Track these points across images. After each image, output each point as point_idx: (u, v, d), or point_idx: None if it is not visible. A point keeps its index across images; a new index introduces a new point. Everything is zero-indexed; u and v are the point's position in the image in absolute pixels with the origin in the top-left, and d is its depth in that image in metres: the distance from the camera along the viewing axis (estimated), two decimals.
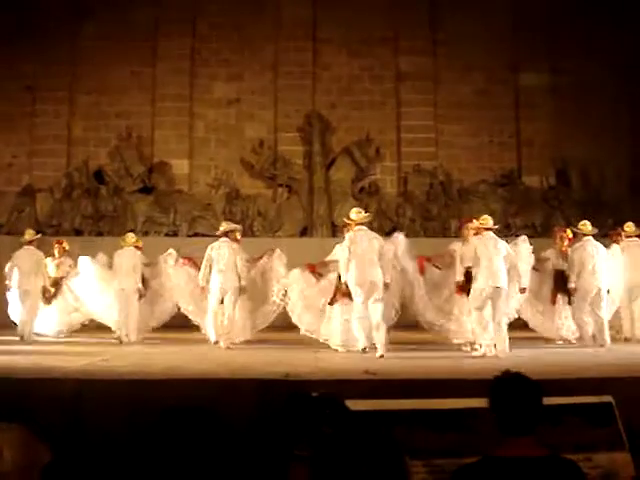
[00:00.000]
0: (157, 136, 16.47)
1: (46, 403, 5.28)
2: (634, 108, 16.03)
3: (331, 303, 9.28)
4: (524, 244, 9.74)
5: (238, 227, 10.90)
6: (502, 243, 8.79)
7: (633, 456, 4.37)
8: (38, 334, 11.30)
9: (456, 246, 9.56)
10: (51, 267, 11.98)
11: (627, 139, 16.17)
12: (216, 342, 9.75)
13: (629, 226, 10.44)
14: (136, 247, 11.57)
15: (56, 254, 12.11)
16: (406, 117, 16.52)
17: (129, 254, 11.25)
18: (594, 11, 16.22)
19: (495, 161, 16.58)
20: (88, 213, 15.59)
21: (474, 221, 9.30)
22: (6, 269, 11.26)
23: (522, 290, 9.13)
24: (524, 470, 2.71)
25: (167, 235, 15.44)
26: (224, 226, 10.42)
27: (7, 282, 11.21)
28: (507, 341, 8.49)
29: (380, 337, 8.39)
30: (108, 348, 9.62)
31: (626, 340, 10.23)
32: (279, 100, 16.59)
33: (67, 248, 12.22)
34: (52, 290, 11.64)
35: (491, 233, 8.84)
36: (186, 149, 16.48)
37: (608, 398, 4.72)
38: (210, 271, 9.95)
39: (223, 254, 9.94)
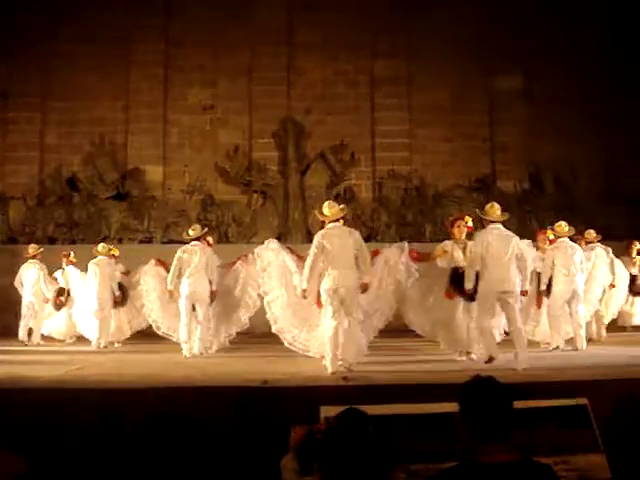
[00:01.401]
0: (131, 142, 16.38)
1: (19, 413, 5.22)
2: (607, 112, 16.19)
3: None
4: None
5: (208, 231, 10.82)
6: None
7: (608, 458, 4.40)
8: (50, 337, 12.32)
9: (447, 246, 8.89)
10: (60, 277, 12.34)
11: (600, 143, 16.30)
12: (188, 356, 9.39)
13: (560, 226, 10.04)
14: (112, 256, 11.72)
15: (63, 265, 12.31)
16: (381, 122, 16.57)
17: (103, 264, 11.34)
18: (567, 16, 16.37)
19: (469, 166, 16.66)
20: (61, 221, 15.47)
21: (466, 218, 8.79)
22: (16, 281, 12.25)
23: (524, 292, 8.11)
24: (498, 476, 2.70)
25: (141, 242, 15.35)
26: (195, 230, 10.23)
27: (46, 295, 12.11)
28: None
29: (348, 350, 7.48)
30: (83, 356, 9.56)
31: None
32: (254, 106, 16.57)
33: (117, 255, 12.21)
34: (62, 298, 12.16)
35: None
36: (160, 155, 16.40)
37: (583, 400, 4.76)
38: (180, 275, 9.71)
39: (194, 258, 9.71)
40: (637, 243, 12.52)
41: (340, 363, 7.36)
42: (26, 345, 11.76)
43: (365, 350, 7.87)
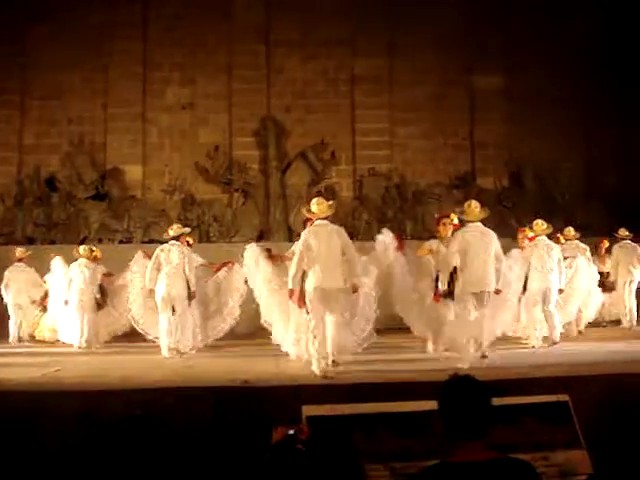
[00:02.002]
0: (110, 142, 16.24)
1: None
2: (587, 111, 16.28)
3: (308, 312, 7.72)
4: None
5: (187, 230, 10.71)
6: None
7: (590, 453, 4.41)
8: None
9: (433, 245, 8.81)
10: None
11: (580, 141, 16.40)
12: (167, 357, 9.30)
13: (538, 224, 10.06)
14: (95, 258, 11.69)
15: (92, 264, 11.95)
16: (361, 120, 16.56)
17: (84, 266, 11.31)
18: (547, 15, 16.44)
19: (450, 163, 16.71)
20: (40, 221, 15.33)
21: (452, 215, 8.65)
22: (2, 286, 12.35)
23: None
24: (476, 475, 2.68)
25: (121, 242, 15.26)
26: (174, 230, 10.08)
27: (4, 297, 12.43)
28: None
29: (334, 348, 7.42)
30: (62, 358, 9.46)
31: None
32: (233, 104, 16.50)
33: (99, 257, 12.07)
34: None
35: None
36: (139, 155, 16.28)
37: (564, 397, 4.77)
38: (157, 273, 9.59)
39: (172, 258, 9.58)
40: (606, 242, 12.62)
41: (329, 362, 7.27)
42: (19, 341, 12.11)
43: (352, 349, 7.86)
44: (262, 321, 8.65)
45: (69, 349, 10.91)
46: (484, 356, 7.48)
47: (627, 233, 12.65)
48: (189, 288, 9.65)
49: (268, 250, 9.04)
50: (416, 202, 16.05)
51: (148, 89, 16.50)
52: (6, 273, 12.44)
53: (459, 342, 7.81)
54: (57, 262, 11.82)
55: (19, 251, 12.69)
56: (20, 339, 12.29)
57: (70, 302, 11.29)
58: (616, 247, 12.59)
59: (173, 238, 9.88)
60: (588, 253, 11.42)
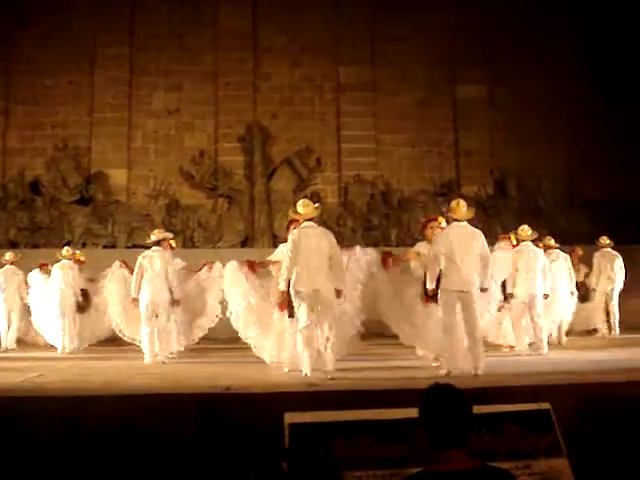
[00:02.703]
0: (95, 146, 16.22)
1: None
2: (569, 118, 16.41)
3: (291, 315, 7.75)
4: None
5: (169, 235, 10.65)
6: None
7: (571, 462, 4.43)
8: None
9: (421, 248, 8.68)
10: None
11: (563, 149, 16.54)
12: (150, 363, 9.20)
13: (523, 230, 10.07)
14: (78, 261, 11.65)
15: (74, 266, 11.87)
16: (346, 127, 16.62)
17: (66, 267, 11.27)
18: (530, 24, 16.60)
19: (434, 171, 16.80)
20: (24, 225, 15.25)
21: (439, 219, 8.48)
22: None
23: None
24: None
25: (105, 247, 15.21)
26: (156, 234, 9.98)
27: None
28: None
29: (328, 355, 7.31)
30: (44, 363, 9.41)
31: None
32: (219, 110, 16.51)
33: (82, 260, 12.12)
34: None
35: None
36: (124, 159, 16.26)
37: (546, 405, 4.79)
38: (141, 280, 9.49)
39: (155, 264, 9.49)
40: (579, 250, 12.67)
41: (323, 373, 7.18)
42: (7, 350, 11.92)
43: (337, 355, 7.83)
44: (241, 336, 8.63)
45: (52, 354, 10.85)
46: (477, 375, 7.34)
47: (608, 241, 12.74)
48: (172, 294, 9.60)
49: (248, 261, 8.89)
50: (401, 209, 16.13)
51: (134, 94, 16.49)
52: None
53: (445, 346, 7.84)
54: (35, 274, 11.87)
55: (9, 254, 12.63)
56: (6, 349, 12.08)
57: (51, 304, 11.26)
58: (597, 255, 12.67)
59: (155, 243, 9.81)
60: (568, 262, 11.47)
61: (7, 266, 12.45)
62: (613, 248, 12.73)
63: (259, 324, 8.45)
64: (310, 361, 7.23)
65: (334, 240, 7.64)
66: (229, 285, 8.81)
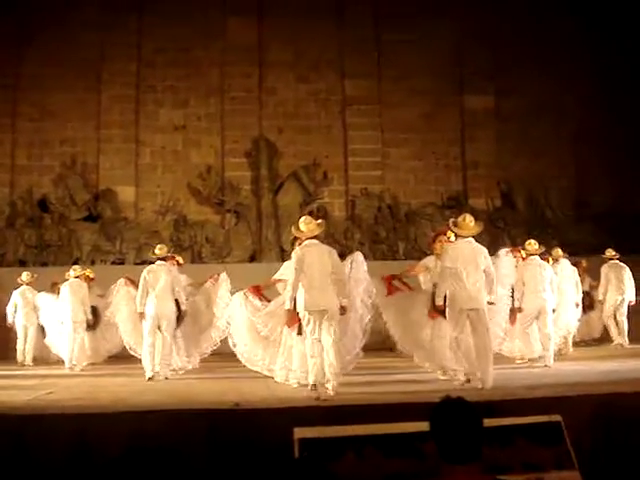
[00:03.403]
0: (102, 163, 16.28)
1: None
2: (577, 129, 16.42)
3: (299, 333, 7.68)
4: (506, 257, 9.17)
5: (172, 251, 10.68)
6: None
7: (582, 475, 4.39)
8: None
9: (430, 262, 8.66)
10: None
11: (571, 160, 16.53)
12: (150, 379, 9.11)
13: (530, 244, 10.04)
14: (87, 278, 11.78)
15: (84, 284, 11.94)
16: (353, 141, 16.65)
17: (76, 286, 11.34)
18: (537, 35, 16.62)
19: (441, 184, 16.80)
20: (32, 243, 15.29)
21: (449, 233, 8.36)
22: (8, 306, 12.79)
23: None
24: None
25: (113, 263, 15.24)
26: (161, 250, 9.95)
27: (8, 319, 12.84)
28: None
29: (332, 370, 7.23)
30: (55, 380, 9.43)
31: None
32: (226, 125, 16.57)
33: (92, 277, 12.34)
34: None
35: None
36: (132, 176, 16.31)
37: (557, 417, 4.76)
38: (146, 295, 9.46)
39: (159, 278, 9.47)
40: (584, 262, 12.65)
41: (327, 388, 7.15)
42: (23, 366, 12.28)
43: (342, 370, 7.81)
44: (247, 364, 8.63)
45: (62, 371, 10.87)
46: (482, 388, 7.32)
47: (613, 253, 12.72)
48: (178, 309, 9.60)
49: (253, 287, 8.86)
50: (408, 222, 16.12)
51: (141, 110, 16.56)
52: (14, 296, 12.76)
53: (450, 362, 7.83)
54: (42, 296, 12.27)
55: (26, 275, 12.94)
56: (23, 364, 12.45)
57: (64, 322, 11.35)
58: (605, 267, 12.65)
59: (159, 258, 9.81)
60: (576, 274, 11.45)
61: (23, 286, 12.75)
62: (620, 259, 12.70)
63: (265, 351, 8.44)
64: (317, 369, 7.25)
65: (337, 257, 7.63)
66: (234, 319, 8.85)
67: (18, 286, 12.81)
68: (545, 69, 16.55)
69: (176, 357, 9.78)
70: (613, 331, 12.62)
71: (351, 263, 8.14)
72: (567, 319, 10.82)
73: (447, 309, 7.65)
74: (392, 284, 8.70)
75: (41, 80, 16.24)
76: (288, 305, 7.50)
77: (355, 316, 7.96)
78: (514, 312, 9.60)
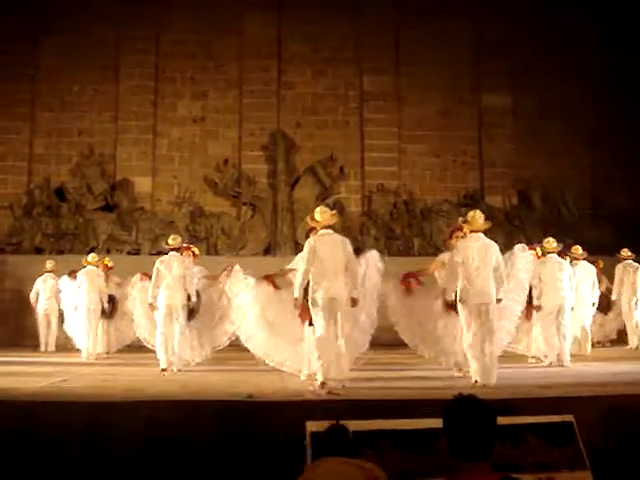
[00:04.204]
0: (120, 153, 16.36)
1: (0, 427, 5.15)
2: (594, 128, 16.33)
3: (311, 324, 7.61)
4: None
5: (186, 242, 10.63)
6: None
7: (594, 475, 4.39)
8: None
9: (445, 258, 8.53)
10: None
11: (587, 159, 16.45)
12: (164, 370, 9.08)
13: (549, 242, 10.03)
14: (106, 267, 11.97)
15: (101, 272, 11.98)
16: (370, 136, 16.63)
17: (92, 274, 11.38)
18: (556, 34, 16.54)
19: (458, 181, 16.75)
20: (49, 231, 15.39)
21: (464, 228, 8.19)
22: (31, 294, 13.25)
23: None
24: None
25: (129, 253, 15.31)
26: (174, 240, 9.89)
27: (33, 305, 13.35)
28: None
29: (342, 364, 7.30)
30: (68, 368, 9.48)
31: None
32: (243, 118, 16.60)
33: (110, 265, 12.39)
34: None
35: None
36: (149, 167, 16.37)
37: (569, 417, 4.75)
38: (159, 286, 9.41)
39: (172, 268, 9.41)
40: (600, 262, 12.57)
41: (335, 381, 7.12)
42: (46, 352, 12.74)
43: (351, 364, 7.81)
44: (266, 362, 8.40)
45: (77, 359, 10.94)
46: (485, 385, 7.30)
47: (629, 253, 12.63)
48: (190, 300, 9.61)
49: (266, 277, 8.77)
50: (424, 219, 16.10)
51: (159, 102, 16.63)
52: (36, 284, 13.23)
53: (462, 357, 7.84)
54: (65, 280, 12.29)
55: (49, 263, 13.40)
56: (46, 351, 12.92)
57: (79, 309, 11.41)
58: (619, 267, 12.57)
59: (172, 249, 9.80)
60: (594, 274, 11.40)
61: (46, 274, 13.15)
62: (635, 260, 12.62)
63: (278, 341, 8.32)
64: (324, 370, 7.16)
65: (350, 248, 7.61)
66: (247, 302, 8.67)
67: (35, 274, 12.95)
68: (562, 69, 16.47)
69: (188, 350, 9.78)
70: (629, 332, 12.54)
71: (366, 260, 8.15)
72: (583, 319, 10.77)
73: (459, 305, 7.63)
74: (409, 281, 8.64)
75: (59, 71, 16.36)
76: (297, 294, 7.51)
77: (367, 311, 7.97)
78: (530, 308, 9.57)
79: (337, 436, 3.68)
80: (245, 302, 8.68)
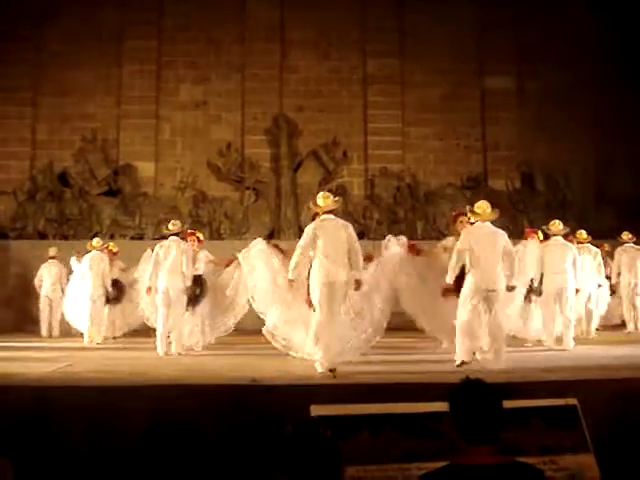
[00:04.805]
0: (122, 138, 16.34)
1: (6, 412, 5.17)
2: (598, 112, 16.24)
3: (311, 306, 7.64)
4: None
5: (186, 227, 10.63)
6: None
7: (597, 458, 4.40)
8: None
9: (449, 242, 8.64)
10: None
11: (591, 143, 16.38)
12: (166, 353, 9.19)
13: (555, 224, 10.06)
14: (110, 252, 12.01)
15: (105, 257, 11.98)
16: (373, 120, 16.58)
17: (97, 259, 11.40)
18: (560, 17, 16.43)
19: (461, 164, 16.72)
20: (52, 216, 15.41)
21: (469, 213, 8.14)
22: (35, 280, 13.29)
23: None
24: (487, 478, 2.69)
25: (133, 238, 15.33)
26: (175, 225, 9.96)
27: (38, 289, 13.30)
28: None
29: (341, 348, 7.39)
30: (73, 353, 9.53)
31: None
32: (246, 103, 16.56)
33: (115, 251, 12.43)
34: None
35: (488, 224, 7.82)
36: (152, 152, 16.36)
37: (573, 401, 4.76)
38: (157, 270, 9.49)
39: (171, 252, 9.49)
40: (606, 246, 12.56)
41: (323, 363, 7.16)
42: (50, 337, 12.78)
43: (356, 352, 7.83)
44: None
45: (81, 344, 10.98)
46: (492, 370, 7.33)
47: (630, 236, 12.58)
48: (197, 284, 9.67)
49: (275, 245, 9.05)
50: (427, 202, 16.09)
51: (162, 87, 16.60)
52: (40, 270, 13.28)
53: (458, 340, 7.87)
54: (74, 261, 12.34)
55: (52, 250, 13.39)
56: (50, 334, 12.99)
57: (83, 294, 11.45)
58: (619, 250, 12.53)
59: (173, 234, 9.82)
60: (599, 257, 11.40)
61: (50, 260, 13.19)
62: (636, 243, 12.58)
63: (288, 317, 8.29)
64: (324, 353, 7.17)
65: (353, 232, 7.62)
66: (257, 263, 8.74)
67: (39, 259, 13.06)
68: (566, 52, 16.39)
69: (188, 334, 9.83)
70: (626, 315, 12.51)
71: (385, 246, 8.36)
72: (583, 303, 10.77)
73: (463, 289, 7.61)
74: (414, 248, 8.75)
75: (62, 55, 16.31)
76: (291, 275, 7.55)
77: (379, 296, 8.02)
78: (529, 292, 9.62)
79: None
80: (258, 272, 8.69)
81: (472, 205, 8.09)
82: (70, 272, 12.54)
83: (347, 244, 7.42)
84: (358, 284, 7.50)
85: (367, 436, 4.38)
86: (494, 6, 16.50)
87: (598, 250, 11.53)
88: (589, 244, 11.51)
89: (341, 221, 7.73)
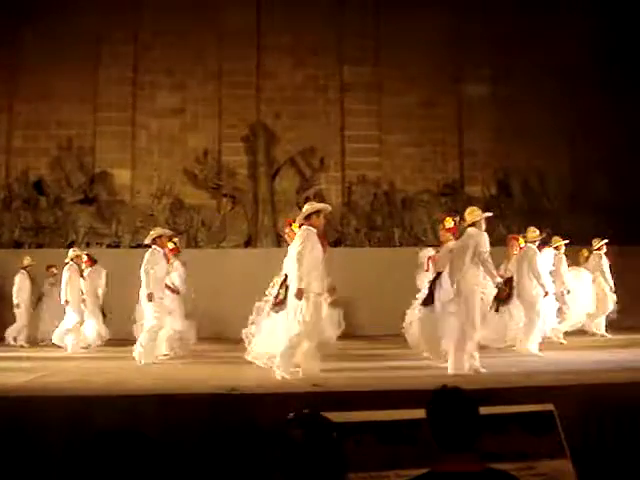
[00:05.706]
0: (99, 146, 16.19)
1: None
2: (574, 118, 16.36)
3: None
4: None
5: (167, 232, 10.66)
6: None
7: (574, 464, 4.43)
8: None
9: (430, 253, 9.01)
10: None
11: (567, 149, 16.49)
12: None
13: (530, 230, 10.28)
14: (90, 260, 12.04)
15: (83, 267, 12.06)
16: (350, 127, 16.59)
17: (74, 269, 11.53)
18: (534, 22, 16.53)
19: (438, 171, 16.77)
20: (28, 224, 15.26)
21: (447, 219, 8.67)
22: (14, 289, 12.88)
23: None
24: None
25: (109, 246, 15.21)
26: (149, 235, 9.98)
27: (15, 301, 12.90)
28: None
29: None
30: (51, 363, 9.46)
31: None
32: (223, 110, 16.50)
33: (87, 260, 12.27)
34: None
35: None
36: (128, 159, 16.25)
37: (549, 406, 4.78)
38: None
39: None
40: (585, 251, 12.68)
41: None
42: (22, 346, 12.47)
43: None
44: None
45: (59, 354, 10.90)
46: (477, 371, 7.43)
47: (601, 243, 12.64)
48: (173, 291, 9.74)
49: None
50: (405, 209, 16.11)
51: (138, 93, 16.48)
52: (16, 279, 12.94)
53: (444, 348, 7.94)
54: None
55: (26, 259, 13.15)
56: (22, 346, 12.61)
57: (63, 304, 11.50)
58: (592, 256, 12.65)
59: (152, 242, 9.83)
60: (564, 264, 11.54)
61: (22, 270, 12.97)
62: (619, 248, 12.69)
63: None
64: (290, 364, 7.35)
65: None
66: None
67: (15, 268, 12.98)
68: (543, 58, 16.46)
69: (158, 345, 9.83)
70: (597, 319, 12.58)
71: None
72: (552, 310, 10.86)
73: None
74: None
75: (38, 61, 16.12)
76: (302, 284, 7.47)
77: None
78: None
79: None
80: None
81: (450, 212, 8.24)
82: (42, 283, 12.61)
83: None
84: (332, 290, 7.64)
85: (348, 444, 4.37)
86: (470, 13, 16.57)
87: (562, 257, 11.62)
88: (563, 249, 11.61)
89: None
